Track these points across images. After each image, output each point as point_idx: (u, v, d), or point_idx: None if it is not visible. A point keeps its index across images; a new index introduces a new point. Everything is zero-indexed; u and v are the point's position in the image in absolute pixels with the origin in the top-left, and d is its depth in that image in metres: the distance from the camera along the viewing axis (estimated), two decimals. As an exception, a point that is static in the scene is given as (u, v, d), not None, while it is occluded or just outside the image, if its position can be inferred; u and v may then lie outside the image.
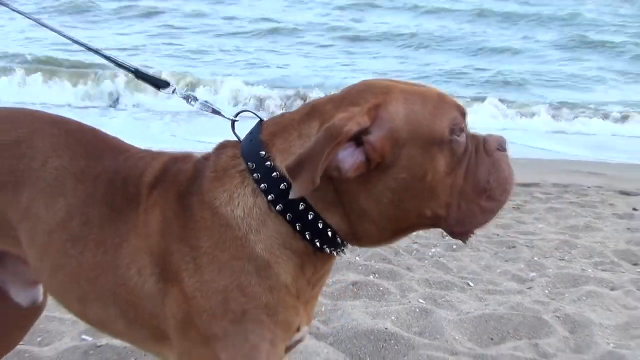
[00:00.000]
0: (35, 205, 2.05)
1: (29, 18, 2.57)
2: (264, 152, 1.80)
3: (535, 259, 5.33)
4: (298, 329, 1.92)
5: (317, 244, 1.78)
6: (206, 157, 1.94)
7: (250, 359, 1.79)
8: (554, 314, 4.14)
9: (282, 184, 1.75)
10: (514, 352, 3.62)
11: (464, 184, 1.76)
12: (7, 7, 2.48)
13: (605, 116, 14.04)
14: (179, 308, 1.81)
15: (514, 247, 5.65)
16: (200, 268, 1.78)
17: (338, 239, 1.81)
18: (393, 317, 3.91)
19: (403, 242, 5.37)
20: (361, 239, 1.82)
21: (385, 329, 3.68)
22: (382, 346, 3.57)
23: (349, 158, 1.68)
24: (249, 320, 1.77)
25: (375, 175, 1.71)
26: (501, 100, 14.25)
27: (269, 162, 1.78)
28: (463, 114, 1.79)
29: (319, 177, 1.62)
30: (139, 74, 2.26)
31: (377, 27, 21.16)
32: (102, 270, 1.96)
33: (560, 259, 5.39)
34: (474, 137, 1.81)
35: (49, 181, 2.06)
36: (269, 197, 1.76)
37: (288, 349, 1.96)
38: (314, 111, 1.80)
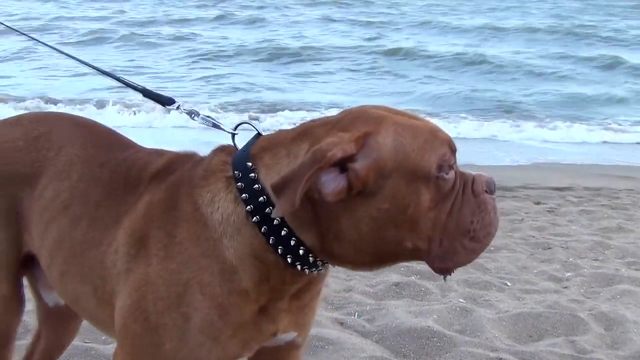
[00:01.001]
0: (46, 189, 2.16)
1: (46, 45, 2.76)
2: (250, 164, 1.79)
3: (570, 259, 5.37)
4: (274, 334, 1.90)
5: (289, 259, 1.76)
6: (204, 157, 1.97)
7: (193, 354, 1.80)
8: (589, 312, 4.19)
9: (262, 197, 1.75)
10: (552, 348, 3.68)
11: (448, 220, 1.71)
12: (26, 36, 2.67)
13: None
14: (137, 290, 1.83)
15: (549, 248, 5.68)
16: (170, 257, 1.80)
17: (310, 257, 1.77)
18: (435, 316, 3.98)
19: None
20: (337, 259, 1.79)
21: (428, 327, 3.75)
22: (425, 343, 3.65)
23: (331, 183, 1.65)
24: (199, 317, 1.78)
25: (358, 201, 1.68)
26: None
27: (253, 174, 1.78)
28: (453, 150, 1.74)
29: (299, 199, 1.59)
30: (146, 93, 2.33)
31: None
32: (87, 246, 2.01)
33: (594, 260, 5.42)
34: (462, 175, 1.75)
35: (59, 167, 2.17)
36: (248, 207, 1.76)
37: (276, 351, 1.99)
38: (306, 132, 1.78)
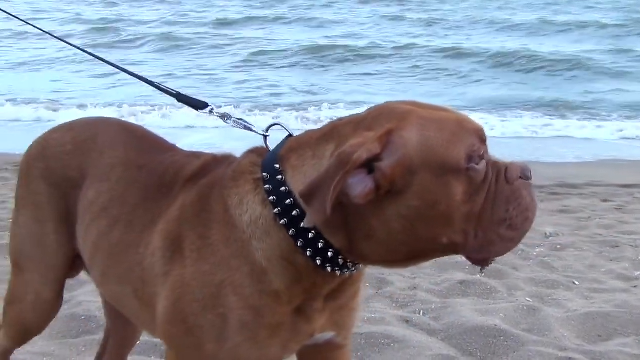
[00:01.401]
0: (89, 191, 2.21)
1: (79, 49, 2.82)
2: (278, 166, 1.78)
3: (640, 258, 5.23)
4: (312, 335, 1.90)
5: (318, 262, 1.74)
6: (236, 159, 1.97)
7: (231, 354, 1.81)
8: (661, 312, 4.07)
9: (289, 200, 1.73)
10: (623, 348, 3.59)
11: (483, 212, 1.66)
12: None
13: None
14: (174, 292, 1.84)
15: (617, 246, 5.54)
16: (203, 258, 1.81)
17: (340, 259, 1.74)
18: (501, 315, 3.93)
19: (507, 243, 5.36)
20: (368, 259, 1.76)
21: (495, 325, 3.70)
22: (492, 342, 3.60)
23: (358, 185, 1.61)
24: (234, 318, 1.78)
25: (387, 201, 1.64)
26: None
27: (280, 176, 1.76)
28: (483, 140, 1.69)
29: (330, 208, 1.56)
30: (180, 97, 2.34)
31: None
32: (125, 248, 2.05)
33: (665, 258, 5.27)
34: (495, 165, 1.70)
35: (101, 169, 2.23)
36: (276, 210, 1.74)
37: (318, 351, 1.99)
38: (332, 132, 1.75)
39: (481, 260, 1.73)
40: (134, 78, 2.51)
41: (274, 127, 2.00)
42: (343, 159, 1.58)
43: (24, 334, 2.53)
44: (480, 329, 3.67)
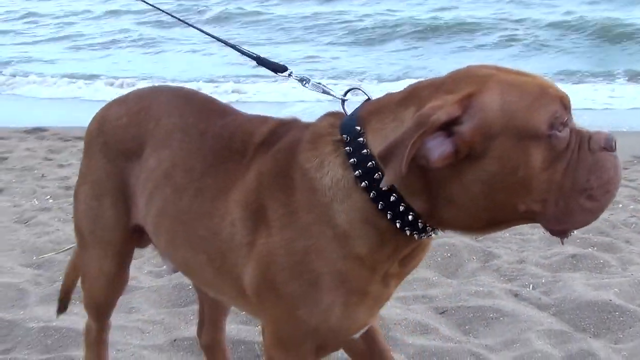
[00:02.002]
0: (148, 160, 2.25)
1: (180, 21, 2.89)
2: (359, 128, 1.80)
3: None
4: (388, 298, 1.99)
5: (398, 225, 1.77)
6: (309, 124, 1.99)
7: (323, 318, 1.86)
8: None
9: (370, 162, 1.75)
10: None
11: (563, 180, 1.66)
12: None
13: None
14: (262, 261, 1.89)
15: None
16: (286, 226, 1.85)
17: (420, 223, 1.78)
18: (616, 289, 3.84)
19: (621, 216, 5.24)
20: (447, 225, 1.79)
21: (610, 300, 3.64)
22: (607, 317, 3.54)
23: (437, 148, 1.63)
24: (323, 283, 1.83)
25: (467, 165, 1.65)
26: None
27: (361, 139, 1.79)
28: (566, 107, 1.69)
29: (406, 168, 1.59)
30: (260, 60, 2.41)
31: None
32: (197, 217, 2.08)
33: None
34: (578, 133, 1.69)
35: (159, 137, 2.25)
36: (357, 172, 1.77)
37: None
38: (412, 95, 1.77)
39: (560, 231, 1.74)
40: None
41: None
42: (421, 120, 1.62)
43: (97, 309, 2.63)
44: (594, 304, 3.62)
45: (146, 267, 4.30)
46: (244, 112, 2.31)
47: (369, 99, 1.94)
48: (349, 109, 1.96)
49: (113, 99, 2.53)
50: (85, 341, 2.77)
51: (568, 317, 3.58)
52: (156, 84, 2.61)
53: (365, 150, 1.78)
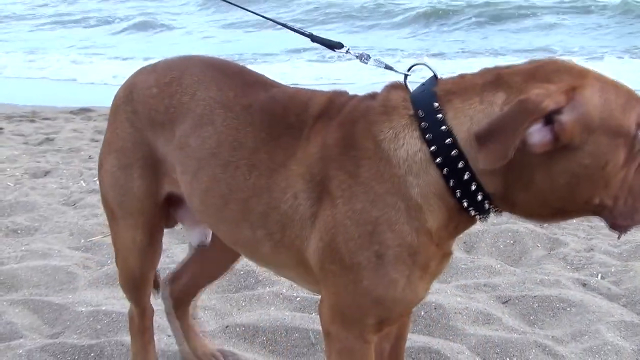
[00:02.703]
0: (186, 135, 2.26)
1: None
2: (437, 104, 1.87)
3: None
4: (437, 276, 2.08)
5: (465, 204, 1.87)
6: (373, 95, 2.04)
7: (388, 290, 1.92)
8: None
9: (448, 139, 1.83)
10: None
11: (635, 179, 1.80)
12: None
13: None
14: (327, 232, 1.95)
15: None
16: (355, 196, 1.91)
17: (486, 204, 1.88)
18: (691, 280, 3.79)
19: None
20: (516, 208, 1.89)
21: (685, 291, 3.58)
22: (682, 309, 3.50)
23: (537, 134, 1.73)
24: (391, 255, 1.89)
25: (560, 155, 1.76)
26: None
27: (440, 115, 1.86)
28: None
29: (513, 151, 1.70)
30: (314, 38, 2.42)
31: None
32: (254, 193, 2.10)
33: None
34: None
35: (197, 112, 2.26)
36: (432, 147, 1.85)
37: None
38: (499, 81, 1.84)
39: (624, 226, 1.87)
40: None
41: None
42: (529, 106, 1.71)
43: (134, 286, 2.67)
44: (667, 295, 3.57)
45: None
46: (281, 82, 2.34)
47: (435, 75, 1.98)
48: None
49: (142, 67, 2.56)
50: (130, 331, 2.83)
51: (639, 309, 3.53)
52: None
53: (444, 127, 1.85)
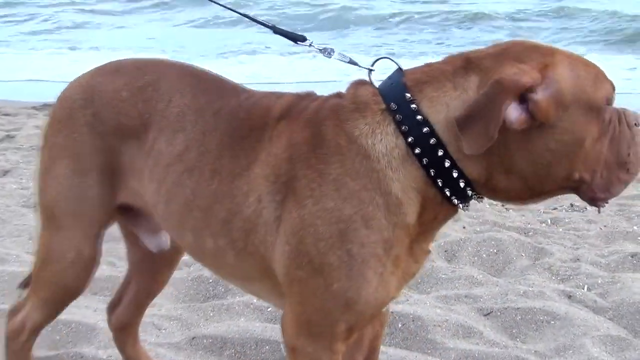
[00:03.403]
0: (157, 143, 2.27)
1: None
2: (409, 95, 1.95)
3: None
4: (413, 275, 2.12)
5: (447, 192, 1.95)
6: (339, 94, 2.11)
7: (360, 291, 1.96)
8: None
9: (425, 128, 1.91)
10: None
11: (608, 153, 1.93)
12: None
13: None
14: (295, 235, 1.98)
15: None
16: (326, 195, 1.95)
17: (469, 191, 1.96)
18: (681, 293, 3.81)
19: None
20: (498, 193, 1.99)
21: (674, 304, 3.60)
22: (670, 323, 3.52)
23: (512, 111, 1.83)
24: (366, 253, 1.94)
25: (537, 134, 1.87)
26: None
27: (414, 105, 1.93)
28: (613, 87, 1.96)
29: (496, 133, 1.80)
30: (277, 30, 2.45)
31: None
32: (216, 199, 2.13)
33: None
34: (615, 110, 1.96)
35: (171, 119, 2.27)
36: (409, 139, 1.92)
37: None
38: (469, 65, 1.94)
39: (601, 199, 1.98)
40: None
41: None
42: (506, 84, 1.81)
43: (63, 298, 2.57)
44: (656, 308, 3.58)
45: None
46: (256, 90, 2.36)
47: (400, 68, 2.05)
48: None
49: (96, 67, 2.51)
50: (7, 348, 2.69)
51: (627, 322, 3.55)
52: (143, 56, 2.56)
53: (419, 117, 1.92)
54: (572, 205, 5.57)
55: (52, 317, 2.66)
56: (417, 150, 1.92)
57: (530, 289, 3.83)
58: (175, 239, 2.46)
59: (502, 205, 5.50)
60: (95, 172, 2.37)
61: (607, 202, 2.01)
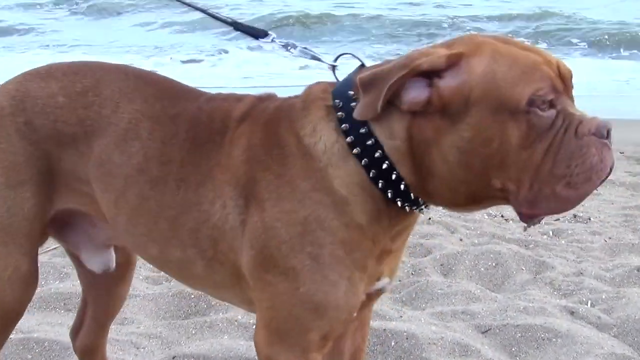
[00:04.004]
0: (109, 152, 2.24)
1: None
2: (352, 92, 1.97)
3: None
4: (378, 278, 2.11)
5: (389, 194, 1.96)
6: (296, 95, 2.13)
7: (328, 295, 1.98)
8: None
9: (363, 128, 1.93)
10: None
11: (542, 162, 1.82)
12: None
13: None
14: (258, 239, 2.01)
15: None
16: (283, 197, 1.99)
17: (412, 194, 1.96)
18: (688, 308, 3.79)
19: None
20: (433, 197, 1.97)
21: (681, 321, 3.59)
22: (677, 341, 3.50)
23: (412, 90, 1.85)
24: (327, 255, 1.97)
25: (444, 128, 1.86)
26: None
27: (354, 103, 1.94)
28: (556, 87, 1.83)
29: (383, 102, 1.82)
30: (237, 26, 2.47)
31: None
32: (183, 209, 2.15)
33: None
34: (569, 116, 1.83)
35: (122, 126, 2.25)
36: (349, 138, 1.96)
37: (369, 298, 2.15)
38: (417, 55, 1.91)
39: (530, 215, 1.90)
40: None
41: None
42: (406, 62, 1.84)
43: (3, 320, 2.45)
44: (663, 325, 3.56)
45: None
46: (215, 92, 2.36)
47: (362, 64, 2.08)
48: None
49: (23, 72, 2.44)
50: None
51: (632, 340, 3.53)
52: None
53: None
54: (575, 216, 5.56)
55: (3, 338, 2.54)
56: (355, 151, 1.95)
57: (531, 304, 3.81)
58: (137, 251, 2.46)
59: (502, 216, 5.51)
60: (31, 184, 2.31)
61: (537, 220, 1.93)
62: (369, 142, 1.93)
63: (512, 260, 4.41)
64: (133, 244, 2.36)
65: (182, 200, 2.15)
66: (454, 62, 1.85)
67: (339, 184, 1.97)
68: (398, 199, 1.97)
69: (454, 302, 3.92)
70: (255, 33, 2.43)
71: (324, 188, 1.97)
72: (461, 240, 4.94)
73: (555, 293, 4.10)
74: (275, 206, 1.99)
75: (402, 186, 1.95)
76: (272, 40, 2.40)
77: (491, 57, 1.85)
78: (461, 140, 1.85)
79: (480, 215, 5.43)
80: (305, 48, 2.34)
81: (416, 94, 1.85)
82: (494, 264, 4.39)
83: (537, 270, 4.40)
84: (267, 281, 2.02)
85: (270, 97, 2.22)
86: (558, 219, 5.51)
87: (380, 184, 1.95)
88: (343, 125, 1.96)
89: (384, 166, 1.94)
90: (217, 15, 2.57)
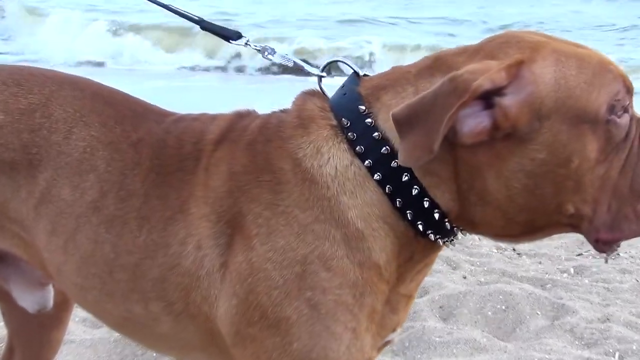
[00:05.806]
0: (57, 186, 2.18)
1: None
2: (363, 108, 1.90)
3: None
4: (394, 329, 2.06)
5: (420, 227, 1.88)
6: (284, 110, 2.08)
7: (327, 351, 1.89)
8: None
9: (385, 148, 1.86)
10: None
11: (620, 178, 1.78)
12: None
13: None
14: (242, 284, 1.92)
15: None
16: (276, 231, 1.90)
17: (447, 223, 1.89)
18: None
19: None
20: (479, 226, 1.91)
21: None
22: None
23: (470, 119, 1.74)
24: (330, 302, 1.88)
25: (508, 150, 1.77)
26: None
27: (369, 120, 1.89)
28: (629, 89, 1.81)
29: (440, 141, 1.69)
30: (204, 25, 2.45)
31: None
32: (145, 254, 2.07)
33: None
34: (633, 121, 1.81)
35: (75, 156, 2.19)
36: (367, 162, 1.88)
37: (378, 350, 2.07)
38: (437, 64, 1.88)
39: (609, 241, 1.84)
40: None
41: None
42: (459, 85, 1.70)
43: None
44: None
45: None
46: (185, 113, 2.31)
47: (357, 73, 2.02)
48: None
49: None
50: None
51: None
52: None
53: (376, 134, 1.86)
54: (600, 251, 5.49)
55: None
56: (376, 177, 1.87)
57: (548, 356, 3.79)
58: (89, 311, 2.36)
59: (513, 250, 5.50)
60: None
61: (616, 247, 1.86)
62: (394, 164, 1.85)
63: (525, 302, 4.36)
64: (84, 301, 2.27)
65: (144, 244, 2.07)
66: (515, 73, 1.75)
67: (355, 215, 1.88)
68: (430, 232, 1.89)
69: (455, 353, 3.87)
70: (226, 34, 2.39)
71: (332, 220, 1.89)
72: (465, 278, 4.89)
73: (577, 342, 4.05)
74: (265, 243, 1.90)
75: (436, 215, 1.87)
76: (246, 44, 2.36)
77: (556, 60, 1.79)
78: (531, 163, 1.77)
79: (487, 248, 5.37)
80: (286, 54, 2.31)
81: (477, 121, 1.75)
82: (503, 307, 4.33)
83: (555, 314, 4.35)
84: (251, 336, 1.94)
85: (250, 114, 2.16)
86: (581, 254, 5.51)
87: (409, 215, 1.87)
88: (358, 148, 1.88)
89: (414, 192, 1.85)
90: (183, 12, 2.52)
